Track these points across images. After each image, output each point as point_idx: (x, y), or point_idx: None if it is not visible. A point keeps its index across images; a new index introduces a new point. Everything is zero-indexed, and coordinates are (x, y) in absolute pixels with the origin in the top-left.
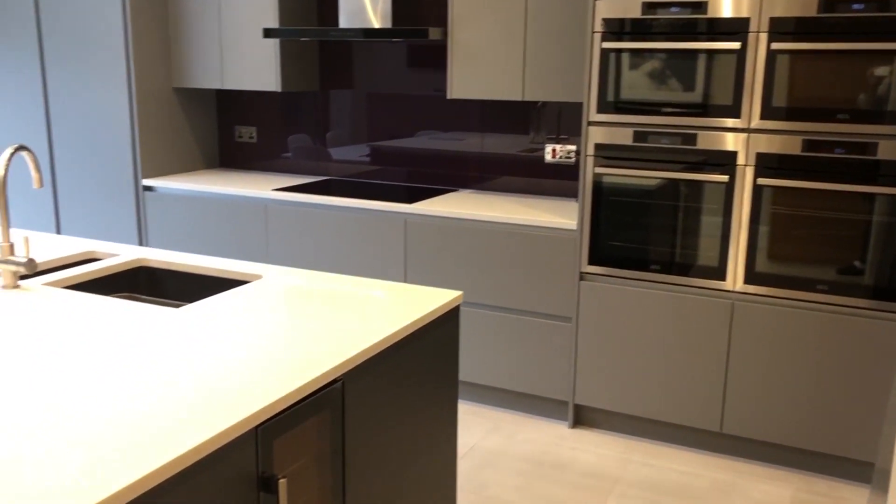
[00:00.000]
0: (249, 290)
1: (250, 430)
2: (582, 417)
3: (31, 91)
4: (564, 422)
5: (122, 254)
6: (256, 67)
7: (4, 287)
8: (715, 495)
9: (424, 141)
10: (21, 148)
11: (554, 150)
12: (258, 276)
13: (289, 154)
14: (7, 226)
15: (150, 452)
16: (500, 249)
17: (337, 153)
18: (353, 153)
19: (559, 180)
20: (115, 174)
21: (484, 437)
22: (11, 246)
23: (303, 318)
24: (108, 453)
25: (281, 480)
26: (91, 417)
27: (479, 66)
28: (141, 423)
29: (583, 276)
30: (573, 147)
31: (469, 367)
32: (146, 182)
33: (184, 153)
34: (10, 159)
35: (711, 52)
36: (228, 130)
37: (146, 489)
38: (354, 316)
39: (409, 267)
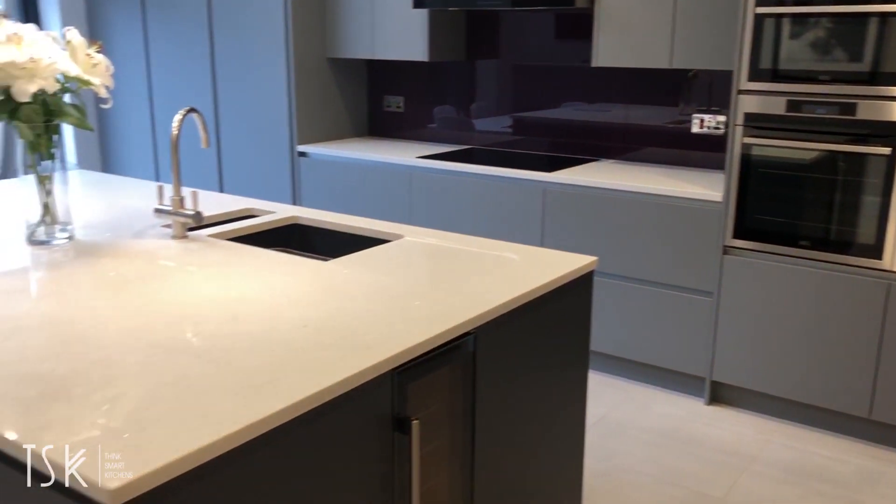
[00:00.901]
0: (392, 247)
1: (387, 373)
2: (719, 394)
3: (200, 59)
4: (700, 398)
5: (277, 212)
6: (406, 38)
7: (175, 237)
8: (861, 482)
9: (568, 112)
10: (191, 110)
11: (702, 121)
12: (400, 236)
13: (434, 125)
14: (178, 181)
15: (296, 385)
16: (640, 220)
17: (481, 124)
18: (497, 124)
19: (705, 152)
20: (273, 139)
21: (615, 408)
22: (182, 200)
23: (440, 274)
24: (262, 384)
25: (414, 422)
26: (248, 348)
27: (625, 33)
28: (292, 358)
29: (727, 249)
30: (723, 118)
31: (603, 337)
32: (300, 148)
33: (336, 121)
34: (182, 120)
35: (882, 16)
36: (378, 100)
37: (292, 417)
38: (489, 275)
39: (545, 235)
